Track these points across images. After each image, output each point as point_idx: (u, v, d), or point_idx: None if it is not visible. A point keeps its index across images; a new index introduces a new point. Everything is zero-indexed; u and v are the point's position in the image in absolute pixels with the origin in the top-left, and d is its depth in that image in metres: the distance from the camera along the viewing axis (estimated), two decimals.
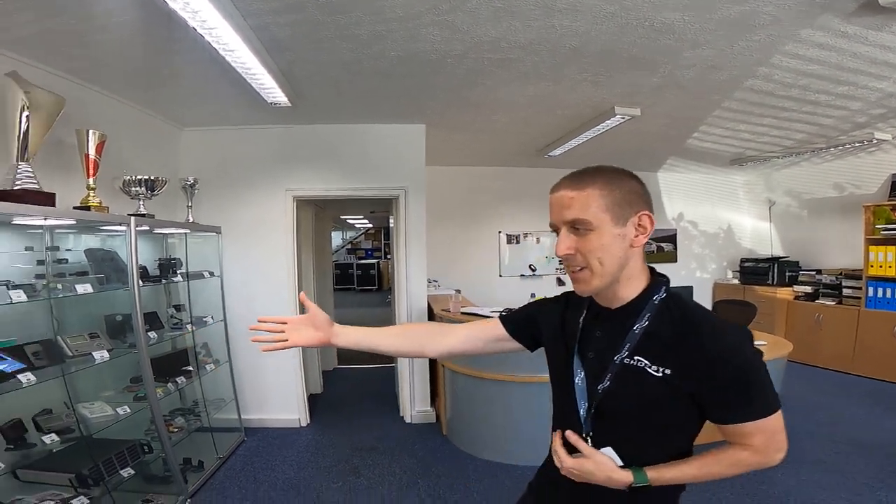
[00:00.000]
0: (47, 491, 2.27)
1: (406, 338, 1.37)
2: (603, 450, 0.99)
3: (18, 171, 2.16)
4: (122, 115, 3.25)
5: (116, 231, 2.81)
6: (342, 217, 11.30)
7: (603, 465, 0.97)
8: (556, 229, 1.01)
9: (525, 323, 1.26)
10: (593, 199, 0.95)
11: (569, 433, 1.04)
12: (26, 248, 2.37)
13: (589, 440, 1.01)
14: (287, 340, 1.24)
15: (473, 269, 6.03)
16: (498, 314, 1.35)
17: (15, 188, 2.12)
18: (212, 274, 3.71)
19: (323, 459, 3.55)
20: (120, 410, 2.61)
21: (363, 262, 16.66)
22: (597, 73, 2.97)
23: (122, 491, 2.59)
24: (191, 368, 3.39)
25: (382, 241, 16.61)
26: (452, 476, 3.27)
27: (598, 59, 2.75)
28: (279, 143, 4.05)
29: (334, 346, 1.29)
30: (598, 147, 4.47)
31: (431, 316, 4.20)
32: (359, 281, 16.14)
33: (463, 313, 3.66)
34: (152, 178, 2.94)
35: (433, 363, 4.22)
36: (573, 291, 1.14)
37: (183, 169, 3.87)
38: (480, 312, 3.58)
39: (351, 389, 5.35)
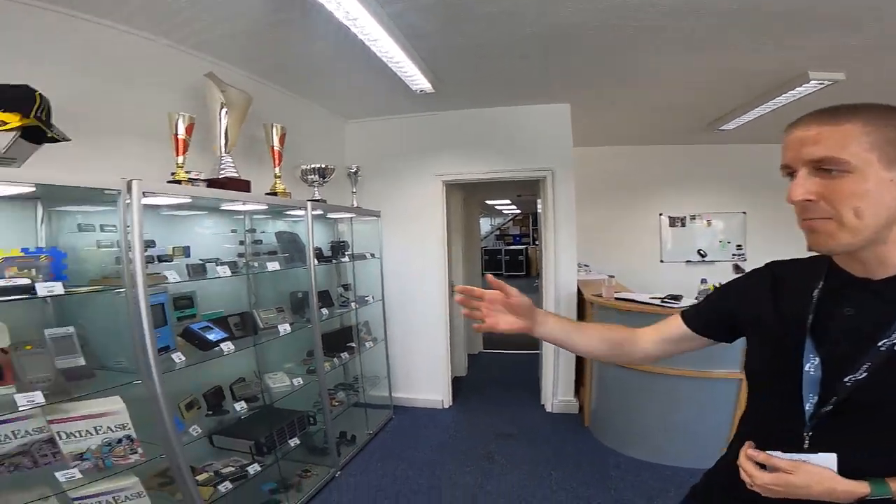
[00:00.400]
0: (230, 457, 2.46)
1: (607, 342, 1.22)
2: (820, 456, 0.79)
3: (222, 161, 2.52)
4: (296, 110, 3.60)
5: (298, 216, 3.18)
6: (489, 203, 11.45)
7: (821, 475, 0.78)
8: (791, 171, 0.83)
9: (716, 314, 1.09)
10: (853, 136, 0.76)
11: (752, 452, 0.85)
12: (231, 231, 2.81)
13: (806, 440, 0.83)
14: (485, 322, 1.15)
15: (630, 254, 5.58)
16: (680, 310, 1.17)
17: (220, 177, 2.47)
18: (373, 255, 4.03)
19: (461, 442, 3.63)
20: (295, 382, 2.87)
21: (511, 248, 16.71)
22: (779, 36, 2.50)
23: (287, 460, 2.80)
24: (353, 345, 3.68)
25: (530, 227, 16.46)
26: (590, 470, 3.11)
27: (775, 20, 2.32)
28: (427, 129, 4.21)
29: (534, 335, 1.19)
30: (788, 117, 3.77)
31: (581, 300, 4.01)
32: (507, 266, 16.23)
33: (617, 299, 3.43)
34: (324, 166, 3.28)
35: None
36: (778, 262, 0.96)
37: (347, 158, 4.26)
38: (638, 298, 3.31)
39: (494, 374, 5.41)
